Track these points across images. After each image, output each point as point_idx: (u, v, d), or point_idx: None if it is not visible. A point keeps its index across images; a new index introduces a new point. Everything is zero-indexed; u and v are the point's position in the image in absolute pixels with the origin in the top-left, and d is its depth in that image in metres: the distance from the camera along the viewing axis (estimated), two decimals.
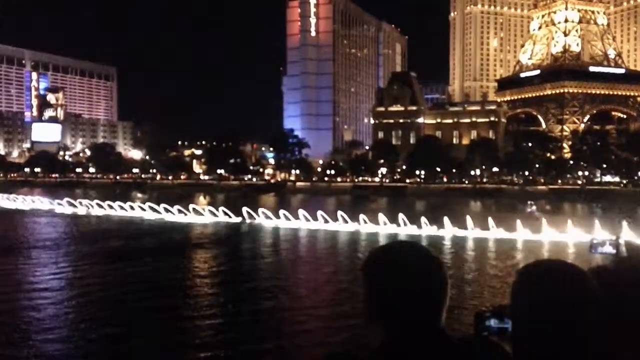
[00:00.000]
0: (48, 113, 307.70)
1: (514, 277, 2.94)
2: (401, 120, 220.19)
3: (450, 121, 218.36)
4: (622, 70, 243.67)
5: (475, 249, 55.33)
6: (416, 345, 2.82)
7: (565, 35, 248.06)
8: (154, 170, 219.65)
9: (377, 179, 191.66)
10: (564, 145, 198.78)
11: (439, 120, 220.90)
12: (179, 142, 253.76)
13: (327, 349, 23.62)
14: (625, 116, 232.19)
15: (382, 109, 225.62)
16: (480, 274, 42.53)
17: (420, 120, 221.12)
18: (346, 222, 70.09)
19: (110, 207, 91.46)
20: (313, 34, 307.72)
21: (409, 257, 2.94)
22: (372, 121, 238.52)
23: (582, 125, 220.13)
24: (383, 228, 66.66)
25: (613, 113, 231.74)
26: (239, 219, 77.96)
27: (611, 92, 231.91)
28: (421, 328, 2.85)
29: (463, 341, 2.95)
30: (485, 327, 3.29)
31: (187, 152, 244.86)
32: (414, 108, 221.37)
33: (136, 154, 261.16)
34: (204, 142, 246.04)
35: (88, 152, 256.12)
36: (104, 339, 25.80)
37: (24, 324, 28.22)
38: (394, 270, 2.89)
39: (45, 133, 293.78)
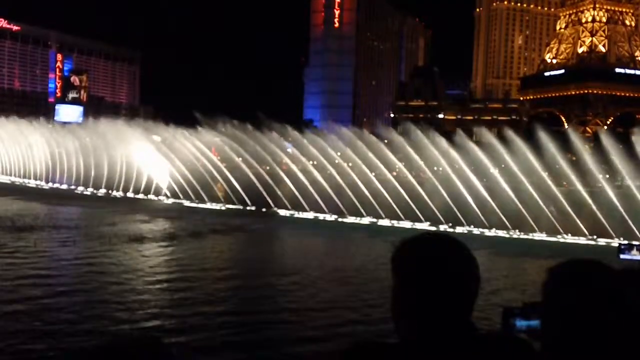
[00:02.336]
0: (72, 94, 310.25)
1: (545, 276, 2.90)
2: (421, 115, 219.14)
3: (471, 118, 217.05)
4: None
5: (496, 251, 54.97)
6: (445, 340, 2.77)
7: (592, 35, 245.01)
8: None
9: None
10: (586, 146, 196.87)
11: (459, 116, 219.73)
12: (199, 128, 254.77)
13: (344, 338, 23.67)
14: None
15: (402, 102, 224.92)
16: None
17: (441, 115, 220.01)
18: (362, 215, 70.05)
19: (131, 189, 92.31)
20: (336, 25, 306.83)
21: (442, 251, 2.86)
22: (391, 115, 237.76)
23: (605, 127, 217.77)
24: (399, 223, 66.52)
25: (637, 116, 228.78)
26: (255, 207, 78.16)
27: (636, 95, 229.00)
28: (450, 323, 2.78)
29: (491, 337, 2.91)
30: (512, 324, 3.28)
31: None
32: (435, 103, 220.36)
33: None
34: (223, 130, 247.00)
35: None
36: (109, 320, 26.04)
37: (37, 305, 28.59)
38: (426, 264, 2.82)
39: (68, 114, 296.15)
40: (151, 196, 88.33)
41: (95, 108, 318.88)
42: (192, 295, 31.20)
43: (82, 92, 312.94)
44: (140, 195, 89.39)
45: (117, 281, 33.88)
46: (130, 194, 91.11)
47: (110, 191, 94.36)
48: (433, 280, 2.78)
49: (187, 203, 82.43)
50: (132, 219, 64.00)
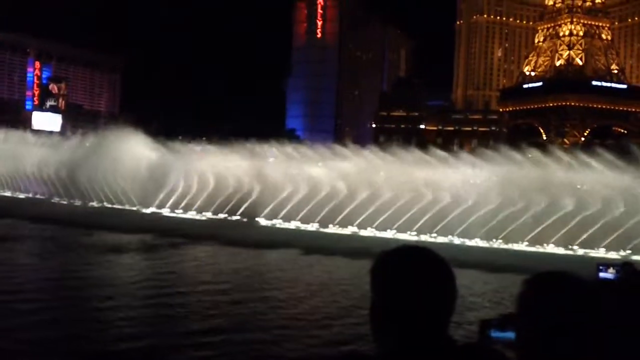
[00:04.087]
0: (49, 102, 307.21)
1: (521, 287, 2.94)
2: (403, 126, 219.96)
3: (451, 128, 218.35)
4: (624, 86, 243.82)
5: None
6: (422, 352, 2.78)
7: (570, 48, 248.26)
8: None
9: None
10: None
11: (440, 127, 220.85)
12: (180, 137, 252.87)
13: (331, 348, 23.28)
14: (625, 132, 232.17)
15: (384, 113, 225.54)
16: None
17: (422, 126, 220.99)
18: (343, 225, 69.80)
19: (108, 199, 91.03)
20: (319, 35, 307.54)
21: (418, 263, 2.88)
22: (374, 125, 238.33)
23: (582, 139, 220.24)
24: (379, 233, 66.31)
25: (613, 128, 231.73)
26: (237, 217, 77.62)
27: (612, 107, 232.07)
28: (427, 335, 2.79)
29: (467, 349, 2.93)
30: (488, 336, 3.37)
31: None
32: (416, 114, 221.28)
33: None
34: (204, 139, 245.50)
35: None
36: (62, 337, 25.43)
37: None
38: (403, 275, 2.84)
39: (46, 122, 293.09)
40: (129, 206, 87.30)
41: (73, 116, 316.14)
42: (173, 309, 30.59)
43: (61, 100, 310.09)
44: (118, 206, 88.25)
45: (94, 294, 33.19)
46: (107, 204, 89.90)
47: (87, 202, 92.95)
48: (409, 292, 2.79)
49: (166, 213, 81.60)
50: (110, 229, 62.99)
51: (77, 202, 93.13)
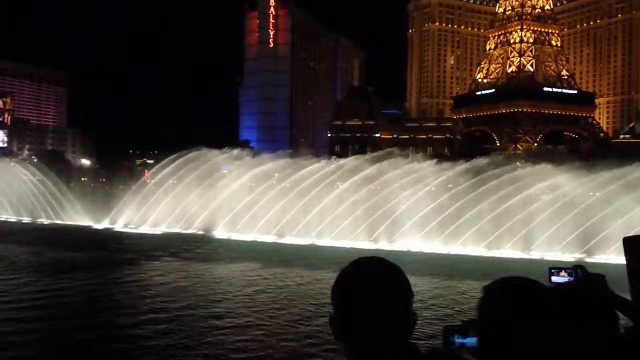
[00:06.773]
0: None
1: (481, 293, 2.99)
2: (358, 135, 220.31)
3: (406, 137, 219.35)
4: (574, 91, 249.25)
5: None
6: None
7: (520, 55, 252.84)
8: (104, 179, 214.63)
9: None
10: (517, 164, 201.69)
11: (395, 135, 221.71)
12: (130, 151, 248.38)
13: None
14: (576, 136, 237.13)
15: (339, 122, 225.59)
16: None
17: (377, 135, 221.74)
18: (300, 236, 68.94)
19: (59, 215, 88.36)
20: (271, 45, 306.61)
21: (371, 275, 2.88)
22: (329, 134, 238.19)
23: (535, 145, 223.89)
24: (340, 242, 65.56)
25: (565, 133, 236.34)
26: (193, 231, 76.02)
27: (563, 113, 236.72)
28: (390, 346, 2.79)
29: (432, 357, 2.96)
30: (452, 342, 3.36)
31: (138, 161, 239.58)
32: (371, 122, 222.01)
33: (86, 162, 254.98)
34: (156, 152, 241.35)
35: (35, 159, 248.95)
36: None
37: None
38: (357, 289, 2.84)
39: None
40: (82, 222, 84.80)
41: (20, 131, 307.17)
42: (131, 325, 29.13)
43: (7, 115, 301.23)
44: (70, 222, 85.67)
45: (51, 315, 31.46)
46: (58, 221, 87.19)
47: (37, 220, 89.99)
48: (364, 304, 2.79)
49: (120, 228, 79.40)
50: (64, 247, 60.73)
51: (26, 219, 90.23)
